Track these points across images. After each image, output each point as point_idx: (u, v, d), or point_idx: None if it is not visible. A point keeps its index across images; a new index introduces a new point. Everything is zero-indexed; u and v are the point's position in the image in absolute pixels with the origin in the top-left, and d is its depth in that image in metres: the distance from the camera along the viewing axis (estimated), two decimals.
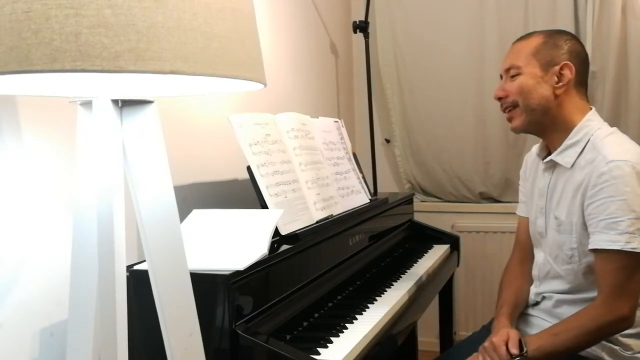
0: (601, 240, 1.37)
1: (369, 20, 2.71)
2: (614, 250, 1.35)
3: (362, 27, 2.69)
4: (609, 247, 1.36)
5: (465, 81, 2.93)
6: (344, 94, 3.04)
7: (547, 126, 1.51)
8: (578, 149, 1.46)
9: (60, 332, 1.20)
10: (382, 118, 3.15)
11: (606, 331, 1.41)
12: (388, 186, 3.15)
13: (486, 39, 2.86)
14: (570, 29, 2.59)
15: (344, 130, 2.03)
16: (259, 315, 1.22)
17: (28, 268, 1.15)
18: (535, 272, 1.64)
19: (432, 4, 2.94)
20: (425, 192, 3.14)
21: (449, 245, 2.37)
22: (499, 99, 1.55)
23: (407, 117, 3.07)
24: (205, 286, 1.11)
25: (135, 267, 1.18)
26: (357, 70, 3.12)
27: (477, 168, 2.97)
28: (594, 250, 1.40)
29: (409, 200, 2.45)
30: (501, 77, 1.58)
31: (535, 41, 1.51)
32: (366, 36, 2.73)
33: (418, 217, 2.57)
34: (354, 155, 2.06)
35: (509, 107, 1.54)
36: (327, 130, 1.90)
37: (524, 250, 1.72)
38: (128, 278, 0.87)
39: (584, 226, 1.43)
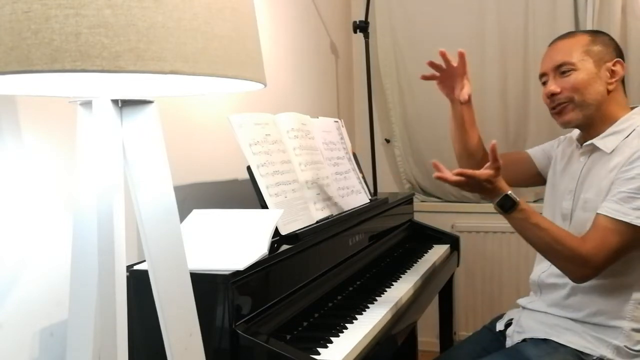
0: (613, 209, 1.40)
1: (369, 20, 2.71)
2: (621, 221, 1.39)
3: (362, 27, 2.69)
4: (618, 218, 1.39)
5: None
6: (344, 94, 3.04)
7: (596, 120, 1.54)
8: (621, 136, 1.50)
9: (60, 332, 1.20)
10: (382, 118, 3.15)
11: (567, 261, 1.44)
12: (388, 186, 3.15)
13: (486, 39, 2.86)
14: (570, 29, 2.59)
15: (344, 130, 2.03)
16: (259, 315, 1.22)
17: (28, 268, 1.15)
18: None
19: (432, 3, 2.94)
20: (425, 192, 3.14)
21: (449, 245, 2.37)
22: (552, 95, 1.56)
23: (407, 117, 3.07)
24: (205, 286, 1.11)
25: (135, 267, 1.18)
26: (357, 70, 3.12)
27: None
28: (600, 215, 1.42)
29: (409, 200, 2.45)
30: (542, 76, 1.60)
31: (584, 39, 1.55)
32: (366, 36, 2.73)
33: (418, 217, 2.57)
34: (354, 155, 2.06)
35: (562, 103, 1.55)
36: (327, 130, 1.90)
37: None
38: (128, 278, 0.87)
39: None
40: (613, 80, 1.52)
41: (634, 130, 1.49)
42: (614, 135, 1.51)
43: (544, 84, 1.60)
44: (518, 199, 1.44)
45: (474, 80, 2.88)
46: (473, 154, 1.77)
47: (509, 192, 1.45)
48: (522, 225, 1.46)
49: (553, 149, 1.77)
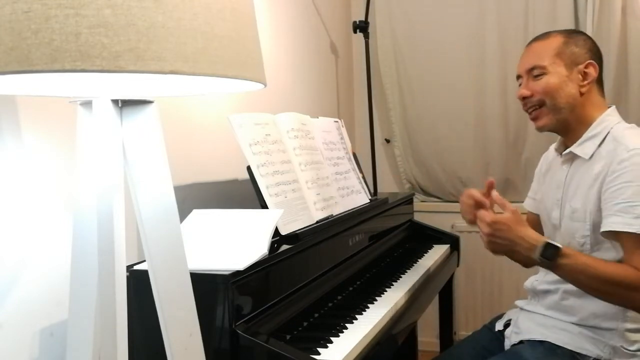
0: (615, 222, 1.38)
1: (369, 20, 2.71)
2: (629, 233, 1.36)
3: (362, 27, 2.69)
4: (624, 230, 1.37)
5: (465, 81, 2.93)
6: (344, 94, 3.04)
7: (571, 123, 1.53)
8: (597, 141, 1.48)
9: (60, 332, 1.20)
10: (382, 118, 3.15)
11: (630, 290, 1.37)
12: (388, 186, 3.15)
13: (486, 39, 2.86)
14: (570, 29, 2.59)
15: (344, 130, 2.03)
16: (259, 315, 1.22)
17: (28, 268, 1.15)
18: None
19: (432, 4, 2.94)
20: (425, 192, 3.14)
21: (449, 245, 2.38)
22: (524, 98, 1.55)
23: (407, 117, 3.07)
24: (205, 286, 1.11)
25: (135, 267, 1.18)
26: (357, 70, 3.11)
27: (477, 168, 2.97)
28: (608, 233, 1.40)
29: (409, 200, 2.45)
30: (518, 77, 1.59)
31: (557, 41, 1.53)
32: (366, 36, 2.73)
33: (418, 217, 2.57)
34: (354, 155, 2.06)
35: (534, 106, 1.54)
36: (327, 130, 1.90)
37: None
38: (128, 278, 0.87)
39: (599, 214, 1.43)
40: (585, 82, 1.50)
41: (608, 133, 1.47)
42: (590, 141, 1.50)
43: (520, 85, 1.59)
44: (559, 245, 1.38)
45: (474, 80, 2.91)
46: None
47: (547, 239, 1.39)
48: (573, 269, 1.38)
49: (539, 174, 1.75)
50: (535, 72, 1.53)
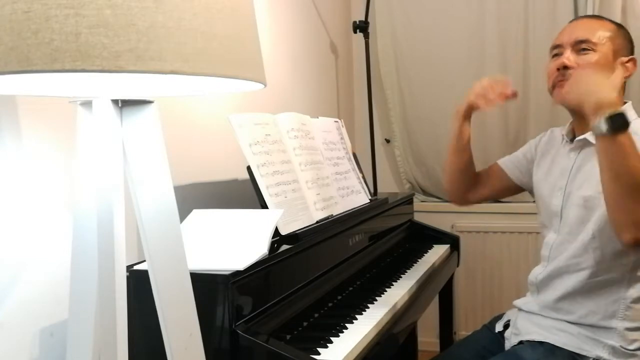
0: None
1: (369, 20, 2.71)
2: None
3: (362, 27, 2.69)
4: None
5: (465, 81, 2.91)
6: (344, 94, 3.04)
7: None
8: None
9: (60, 332, 1.20)
10: (382, 118, 3.15)
11: None
12: (388, 186, 3.15)
13: (486, 39, 2.86)
14: None
15: (344, 130, 2.03)
16: (259, 315, 1.22)
17: (28, 268, 1.15)
18: (545, 252, 1.61)
19: (432, 3, 2.94)
20: (425, 192, 3.14)
21: (449, 245, 2.38)
22: (565, 68, 1.49)
23: (407, 117, 3.07)
24: (205, 286, 1.11)
25: (135, 267, 1.18)
26: (357, 70, 3.11)
27: (476, 168, 2.96)
28: None
29: (409, 200, 2.45)
30: (554, 47, 1.54)
31: (610, 26, 1.52)
32: (366, 36, 2.73)
33: (418, 217, 2.57)
34: (354, 155, 2.06)
35: (567, 79, 1.49)
36: (327, 130, 1.90)
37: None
38: (128, 278, 0.87)
39: None
40: (627, 75, 1.50)
41: None
42: None
43: (555, 56, 1.54)
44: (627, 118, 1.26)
45: (474, 80, 2.89)
46: (468, 169, 1.81)
47: (622, 110, 1.26)
48: (626, 152, 1.25)
49: (530, 151, 1.76)
50: (583, 46, 1.49)
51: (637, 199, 1.27)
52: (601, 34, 1.49)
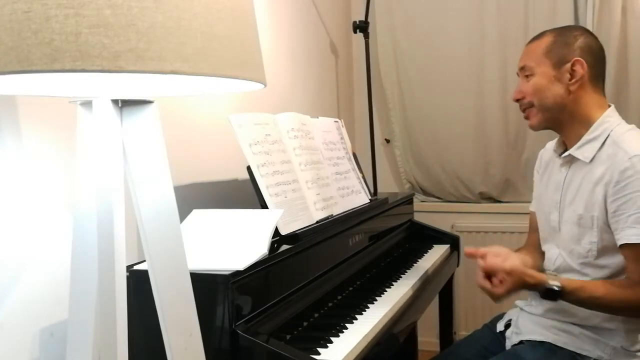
0: (633, 234, 1.38)
1: (369, 20, 2.71)
2: None
3: (362, 27, 2.69)
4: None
5: (465, 81, 2.93)
6: (344, 94, 3.04)
7: (564, 122, 1.53)
8: (597, 144, 1.47)
9: (60, 332, 1.20)
10: (382, 118, 3.15)
11: (628, 312, 1.45)
12: (388, 186, 3.15)
13: (486, 39, 2.86)
14: None
15: (344, 130, 2.03)
16: (259, 315, 1.22)
17: (28, 268, 1.15)
18: (548, 265, 1.63)
19: (432, 3, 2.94)
20: (425, 192, 3.14)
21: (449, 245, 2.38)
22: (517, 100, 1.58)
23: (407, 117, 3.07)
24: (205, 286, 1.11)
25: (135, 267, 1.18)
26: (357, 70, 3.11)
27: (477, 168, 2.97)
28: (625, 245, 1.40)
29: (409, 200, 2.45)
30: (518, 75, 1.60)
31: (546, 40, 1.53)
32: (366, 36, 2.73)
33: (418, 217, 2.57)
34: (354, 155, 2.06)
35: (526, 107, 1.56)
36: (327, 130, 1.90)
37: (533, 245, 1.74)
38: (128, 278, 0.87)
39: (606, 222, 1.43)
40: (573, 81, 1.48)
41: (608, 136, 1.46)
42: (589, 144, 1.48)
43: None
44: (558, 286, 1.42)
45: (474, 80, 2.91)
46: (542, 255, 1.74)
47: (548, 283, 1.43)
48: (580, 302, 1.46)
49: (538, 172, 1.74)
50: (525, 72, 1.54)
51: (623, 313, 1.45)
52: (537, 55, 1.52)
